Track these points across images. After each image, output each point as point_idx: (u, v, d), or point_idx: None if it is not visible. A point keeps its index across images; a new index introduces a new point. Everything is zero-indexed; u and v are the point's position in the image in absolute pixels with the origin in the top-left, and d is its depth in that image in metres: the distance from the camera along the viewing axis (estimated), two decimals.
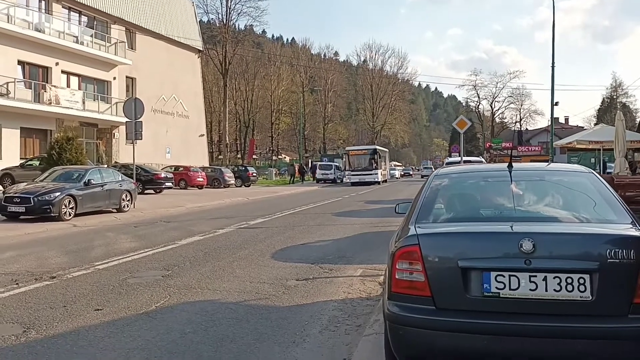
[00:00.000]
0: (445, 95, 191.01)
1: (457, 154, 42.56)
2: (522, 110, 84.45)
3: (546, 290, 3.05)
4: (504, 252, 3.15)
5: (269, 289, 6.59)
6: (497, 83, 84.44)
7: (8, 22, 26.23)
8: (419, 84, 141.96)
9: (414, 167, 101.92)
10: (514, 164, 4.13)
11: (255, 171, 42.33)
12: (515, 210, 3.68)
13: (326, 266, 7.97)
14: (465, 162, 17.91)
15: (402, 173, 74.47)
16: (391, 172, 61.13)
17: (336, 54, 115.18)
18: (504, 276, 3.10)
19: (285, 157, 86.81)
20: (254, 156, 70.89)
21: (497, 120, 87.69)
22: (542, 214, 3.70)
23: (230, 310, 5.68)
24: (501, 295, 3.09)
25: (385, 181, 45.35)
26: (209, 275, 7.44)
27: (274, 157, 78.60)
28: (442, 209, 3.90)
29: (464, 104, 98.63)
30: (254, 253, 9.23)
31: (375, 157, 41.31)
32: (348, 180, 41.36)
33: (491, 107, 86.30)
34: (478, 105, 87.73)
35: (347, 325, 5.14)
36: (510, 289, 3.08)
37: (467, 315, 3.11)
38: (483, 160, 32.29)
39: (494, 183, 4.28)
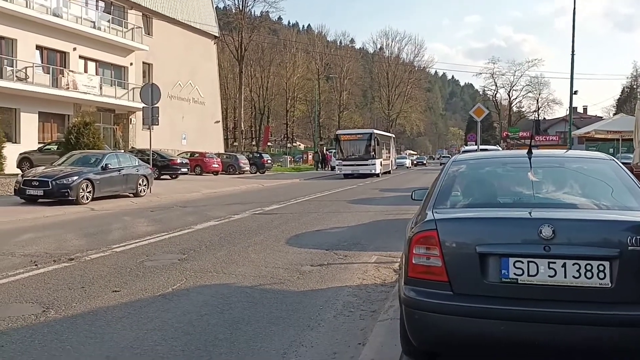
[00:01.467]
0: (462, 84, 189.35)
1: (474, 143, 41.83)
2: (540, 99, 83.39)
3: (565, 277, 3.02)
4: (523, 238, 3.13)
5: (283, 273, 6.62)
6: (515, 71, 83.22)
7: (27, 6, 26.40)
8: (436, 72, 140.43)
9: (430, 156, 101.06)
10: (533, 150, 4.08)
11: (270, 158, 42.43)
12: (535, 197, 3.64)
13: (341, 252, 7.98)
14: (482, 150, 17.77)
15: (416, 162, 73.32)
16: (400, 160, 57.30)
17: (352, 41, 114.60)
18: (522, 262, 3.07)
19: (299, 145, 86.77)
20: (269, 143, 70.95)
21: (515, 109, 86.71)
22: (562, 200, 3.65)
23: (245, 293, 5.72)
24: (519, 282, 3.07)
25: (388, 172, 38.38)
26: (225, 259, 7.50)
27: (289, 145, 78.61)
28: (460, 195, 3.87)
29: (481, 93, 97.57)
30: (269, 238, 9.27)
31: (373, 143, 33.37)
32: (339, 172, 33.83)
33: (509, 95, 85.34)
34: (495, 94, 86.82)
35: (361, 311, 5.15)
36: (528, 275, 3.06)
37: (485, 300, 3.09)
38: (500, 149, 31.97)
39: (513, 169, 4.24)
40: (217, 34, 45.62)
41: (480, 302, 3.08)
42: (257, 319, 4.88)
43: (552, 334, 2.97)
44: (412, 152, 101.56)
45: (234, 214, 12.87)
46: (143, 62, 35.74)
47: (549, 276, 3.04)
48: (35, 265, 7.06)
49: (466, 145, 49.85)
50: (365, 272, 6.73)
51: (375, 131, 35.88)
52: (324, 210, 13.95)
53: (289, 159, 53.87)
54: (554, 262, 3.03)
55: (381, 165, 34.70)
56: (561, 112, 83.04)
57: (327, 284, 6.16)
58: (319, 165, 47.67)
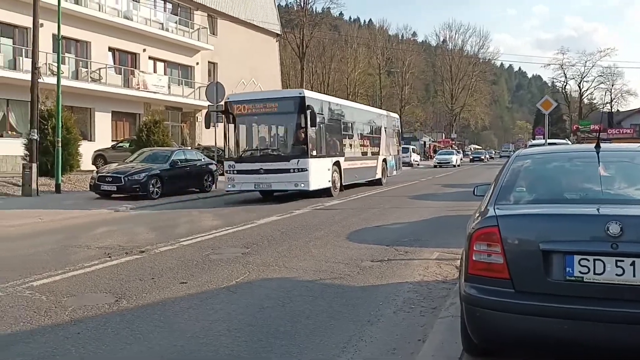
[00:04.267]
0: (529, 76, 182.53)
1: (542, 137, 39.99)
2: (613, 90, 79.17)
3: (634, 276, 2.90)
4: (589, 235, 3.02)
5: (344, 268, 6.67)
6: (585, 62, 79.19)
7: (99, 10, 27.71)
8: (501, 64, 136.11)
9: (494, 150, 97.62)
10: (601, 144, 3.92)
11: None
12: (603, 193, 3.50)
13: (401, 248, 7.94)
14: (549, 144, 17.12)
15: (472, 157, 66.15)
16: (445, 157, 45.49)
17: (414, 34, 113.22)
18: (588, 260, 2.97)
19: None
20: None
21: (586, 101, 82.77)
22: (632, 196, 3.50)
23: (306, 288, 5.81)
24: (585, 280, 2.97)
25: (376, 181, 20.55)
26: (286, 253, 7.63)
27: None
28: (524, 191, 3.78)
29: (549, 85, 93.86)
30: (330, 234, 9.34)
31: (303, 122, 14.70)
32: (229, 187, 15.52)
33: (579, 87, 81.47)
34: (565, 86, 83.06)
35: (422, 307, 5.12)
36: (594, 274, 2.96)
37: (548, 299, 3.01)
38: (569, 143, 30.56)
39: (580, 164, 4.09)
40: (279, 32, 46.18)
41: (542, 300, 3.01)
42: (317, 312, 4.95)
43: (618, 334, 2.86)
44: (477, 146, 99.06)
45: (296, 209, 13.03)
46: (208, 62, 36.71)
47: (617, 275, 2.93)
48: (109, 257, 7.45)
49: (533, 139, 48.00)
50: (427, 269, 6.67)
51: (310, 94, 16.18)
52: (385, 206, 13.89)
53: None
54: (622, 261, 2.92)
55: (328, 171, 15.94)
56: (636, 103, 78.66)
57: (387, 280, 6.16)
58: None
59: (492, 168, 38.48)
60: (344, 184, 17.20)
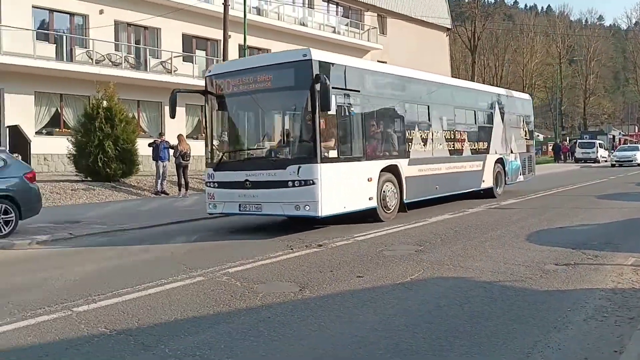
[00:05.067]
0: None
1: None
2: None
3: None
4: None
5: (524, 271, 6.35)
6: None
7: (279, 19, 29.69)
8: None
9: None
10: None
11: None
12: None
13: (590, 252, 7.31)
14: None
15: None
16: (626, 153, 36.03)
17: (600, 18, 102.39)
18: None
19: (538, 135, 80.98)
20: None
21: None
22: None
23: (483, 289, 5.65)
24: None
25: (488, 192, 14.74)
26: (461, 253, 7.48)
27: None
28: None
29: None
30: (507, 234, 8.94)
31: (312, 100, 8.90)
32: (210, 209, 10.21)
33: None
34: None
35: (617, 317, 4.68)
36: None
37: None
38: None
39: None
40: (449, 26, 45.22)
41: None
42: (497, 315, 4.79)
43: None
44: None
45: (468, 207, 12.68)
46: (378, 61, 37.22)
47: None
48: (291, 249, 8.00)
49: None
50: (621, 275, 6.07)
51: (323, 56, 9.78)
52: (568, 206, 12.88)
53: None
54: None
55: (369, 182, 10.21)
56: None
57: (574, 285, 5.73)
58: (561, 157, 43.98)
59: None
60: (410, 200, 11.38)
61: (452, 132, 13.25)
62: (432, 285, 5.90)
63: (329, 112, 9.10)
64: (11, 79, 20.20)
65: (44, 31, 22.28)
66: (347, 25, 34.79)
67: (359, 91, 10.11)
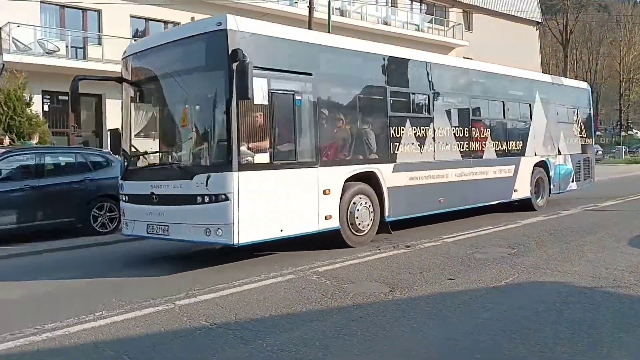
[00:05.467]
0: None
1: None
2: None
3: None
4: None
5: (629, 277, 5.99)
6: None
7: (361, 19, 29.70)
8: None
9: None
10: None
11: (600, 149, 38.33)
12: None
13: None
14: None
15: None
16: None
17: None
18: None
19: (637, 133, 75.77)
20: (598, 132, 63.93)
21: None
22: None
23: (584, 295, 5.39)
24: None
25: (526, 203, 12.00)
26: (557, 257, 7.17)
27: (623, 133, 69.32)
28: None
29: None
30: (607, 237, 8.47)
31: (228, 86, 6.54)
32: (126, 229, 7.97)
33: None
34: None
35: None
36: None
37: None
38: None
39: None
40: (539, 20, 43.32)
41: None
42: (600, 322, 4.56)
43: None
44: None
45: (563, 209, 12.11)
46: (463, 57, 36.36)
47: None
48: (379, 249, 8.00)
49: None
50: None
51: (245, 23, 6.92)
52: None
53: (623, 150, 47.61)
54: None
55: (325, 196, 7.66)
56: None
57: None
58: None
59: None
60: (397, 218, 8.94)
61: (466, 128, 10.45)
62: (528, 289, 5.71)
63: (258, 102, 6.74)
64: (112, 85, 21.52)
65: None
66: (430, 22, 34.22)
67: (310, 74, 7.56)
